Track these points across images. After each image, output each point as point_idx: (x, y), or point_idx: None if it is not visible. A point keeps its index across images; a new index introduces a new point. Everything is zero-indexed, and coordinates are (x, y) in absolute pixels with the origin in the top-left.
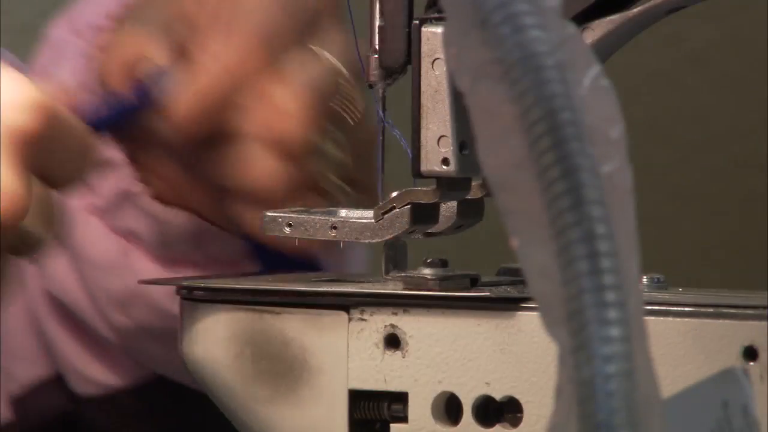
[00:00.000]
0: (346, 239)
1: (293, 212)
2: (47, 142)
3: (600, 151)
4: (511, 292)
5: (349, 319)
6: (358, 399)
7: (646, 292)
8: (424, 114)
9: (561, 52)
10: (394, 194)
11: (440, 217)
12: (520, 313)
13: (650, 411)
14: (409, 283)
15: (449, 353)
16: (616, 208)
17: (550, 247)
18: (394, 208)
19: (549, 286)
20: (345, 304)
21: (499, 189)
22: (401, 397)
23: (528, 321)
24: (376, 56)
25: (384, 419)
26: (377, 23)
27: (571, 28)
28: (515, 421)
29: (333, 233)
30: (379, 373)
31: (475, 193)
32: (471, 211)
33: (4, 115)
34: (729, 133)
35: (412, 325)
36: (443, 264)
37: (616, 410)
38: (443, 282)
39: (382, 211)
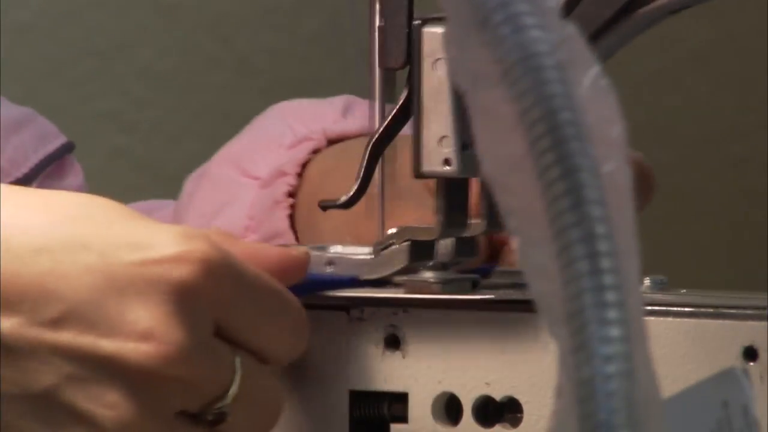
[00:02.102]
0: (342, 275)
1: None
2: (225, 298)
3: (600, 151)
4: (512, 294)
5: (349, 319)
6: (358, 399)
7: (648, 293)
8: (425, 114)
9: (561, 52)
10: (393, 230)
11: (437, 253)
12: (520, 313)
13: (650, 411)
14: (411, 287)
15: (449, 353)
16: (616, 208)
17: (550, 247)
18: (392, 244)
19: (549, 286)
20: (345, 304)
21: (499, 189)
22: (401, 397)
23: (528, 321)
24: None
25: (384, 419)
26: (377, 23)
27: (571, 28)
28: (515, 422)
29: (330, 269)
30: (379, 373)
31: (473, 230)
32: (468, 249)
33: (163, 267)
34: (729, 133)
35: (412, 325)
36: (444, 267)
37: (616, 410)
38: (445, 285)
39: (381, 248)
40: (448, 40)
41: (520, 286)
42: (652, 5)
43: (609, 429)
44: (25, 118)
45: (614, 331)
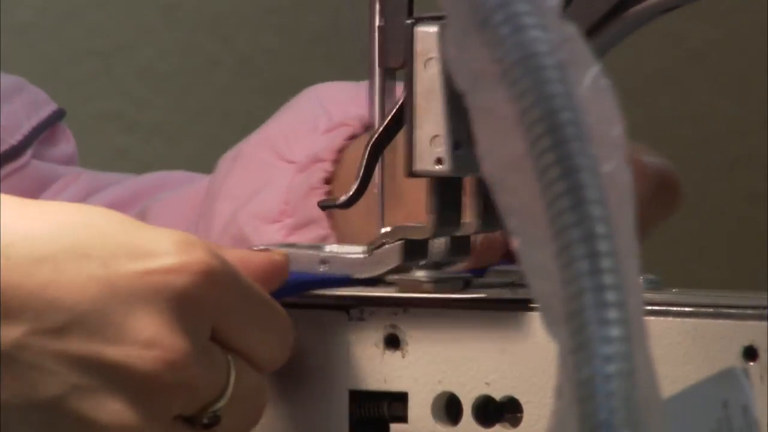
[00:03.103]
0: (334, 274)
1: (281, 246)
2: (223, 305)
3: (600, 151)
4: (505, 293)
5: (349, 319)
6: (358, 399)
7: (645, 292)
8: (417, 113)
9: (561, 52)
10: (386, 230)
11: (430, 252)
12: (520, 313)
13: (650, 411)
14: (404, 286)
15: (449, 353)
16: (616, 208)
17: (550, 247)
18: (385, 243)
19: (549, 285)
20: (345, 304)
21: (499, 189)
22: (401, 397)
23: (528, 321)
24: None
25: (384, 419)
26: (377, 23)
27: (571, 28)
28: (515, 421)
29: (323, 268)
30: (379, 373)
31: (466, 230)
32: (461, 248)
33: (166, 276)
34: (729, 133)
35: (411, 325)
36: (437, 266)
37: (616, 410)
38: (437, 284)
39: (374, 247)
40: (447, 40)
41: (515, 285)
42: (644, 4)
43: (609, 429)
44: (16, 86)
45: (614, 331)
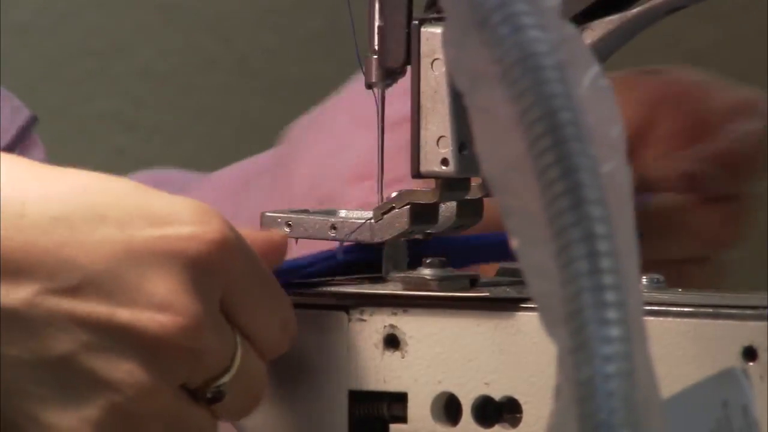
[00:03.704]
0: (345, 239)
1: (292, 212)
2: (234, 277)
3: (600, 151)
4: (510, 292)
5: (349, 320)
6: (358, 399)
7: (645, 292)
8: (423, 114)
9: (560, 52)
10: (394, 194)
11: (440, 217)
12: (519, 313)
13: (650, 411)
14: (409, 284)
15: (449, 353)
16: (616, 208)
17: (549, 247)
18: (393, 208)
19: (548, 286)
20: (345, 304)
21: (499, 189)
22: (401, 397)
23: (527, 321)
24: (376, 56)
25: (383, 419)
26: (377, 23)
27: (571, 28)
28: (514, 422)
29: (332, 233)
30: (379, 373)
31: (474, 193)
32: (470, 211)
33: (182, 241)
34: None
35: (411, 325)
36: (443, 264)
37: (615, 410)
38: (442, 282)
39: (382, 212)
40: (447, 40)
41: (519, 284)
42: (650, 3)
43: (609, 429)
44: None
45: (614, 331)
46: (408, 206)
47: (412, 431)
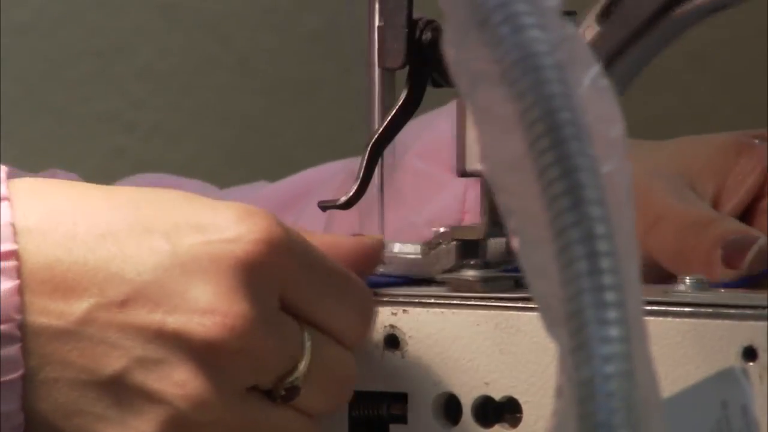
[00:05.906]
0: (394, 274)
1: None
2: (290, 274)
3: (600, 151)
4: (519, 292)
5: None
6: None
7: (688, 293)
8: (467, 114)
9: (560, 52)
10: (442, 230)
11: (487, 251)
12: (519, 313)
13: (650, 411)
14: (454, 285)
15: (449, 353)
16: (616, 208)
17: (549, 247)
18: (440, 244)
19: (549, 286)
20: None
21: (499, 189)
22: (401, 397)
23: (527, 321)
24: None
25: (383, 419)
26: (377, 23)
27: (571, 27)
28: (514, 422)
29: (382, 268)
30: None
31: None
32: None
33: (227, 244)
34: None
35: (411, 325)
36: (487, 265)
37: (615, 410)
38: (486, 283)
39: (429, 248)
40: (447, 40)
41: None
42: (690, 4)
43: (609, 429)
44: None
45: (614, 331)
46: (455, 242)
47: (412, 431)
